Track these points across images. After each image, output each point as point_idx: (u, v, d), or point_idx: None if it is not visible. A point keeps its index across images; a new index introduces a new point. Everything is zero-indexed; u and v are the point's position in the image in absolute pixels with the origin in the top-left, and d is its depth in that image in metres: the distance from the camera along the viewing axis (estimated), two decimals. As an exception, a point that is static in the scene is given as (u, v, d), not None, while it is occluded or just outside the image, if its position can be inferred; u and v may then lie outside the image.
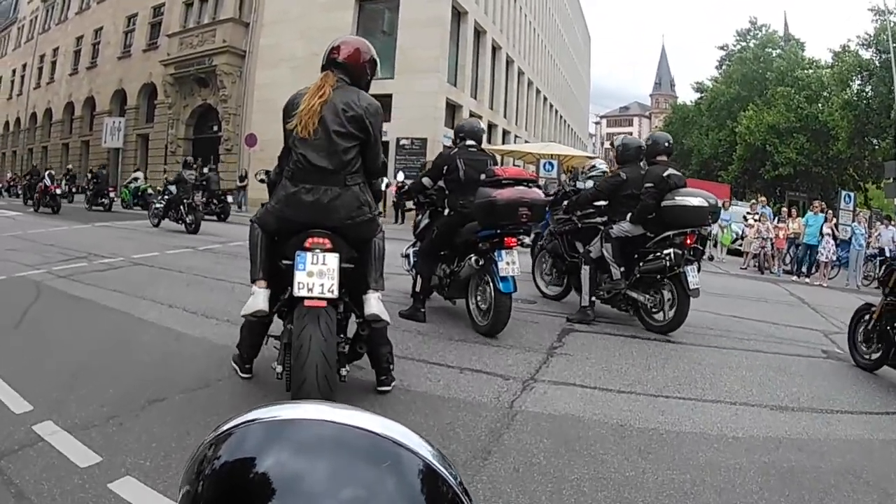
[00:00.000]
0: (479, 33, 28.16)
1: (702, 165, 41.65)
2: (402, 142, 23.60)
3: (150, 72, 31.99)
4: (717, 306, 8.51)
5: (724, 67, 44.86)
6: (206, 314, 6.00)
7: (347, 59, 3.88)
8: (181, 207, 14.74)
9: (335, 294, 3.44)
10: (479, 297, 6.12)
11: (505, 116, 33.25)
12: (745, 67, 40.73)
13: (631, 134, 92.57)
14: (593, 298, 6.96)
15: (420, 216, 7.08)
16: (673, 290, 6.57)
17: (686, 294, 6.42)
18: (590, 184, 8.04)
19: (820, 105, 34.88)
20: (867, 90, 32.10)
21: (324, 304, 3.40)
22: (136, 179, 25.78)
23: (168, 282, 7.68)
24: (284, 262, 3.58)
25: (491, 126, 30.29)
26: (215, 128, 29.24)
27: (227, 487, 0.55)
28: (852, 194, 19.67)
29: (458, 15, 25.93)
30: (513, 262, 5.70)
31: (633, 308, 6.96)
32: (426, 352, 5.21)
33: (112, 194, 22.49)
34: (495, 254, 5.72)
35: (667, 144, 7.08)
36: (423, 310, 6.30)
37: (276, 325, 3.87)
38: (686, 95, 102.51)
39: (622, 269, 6.78)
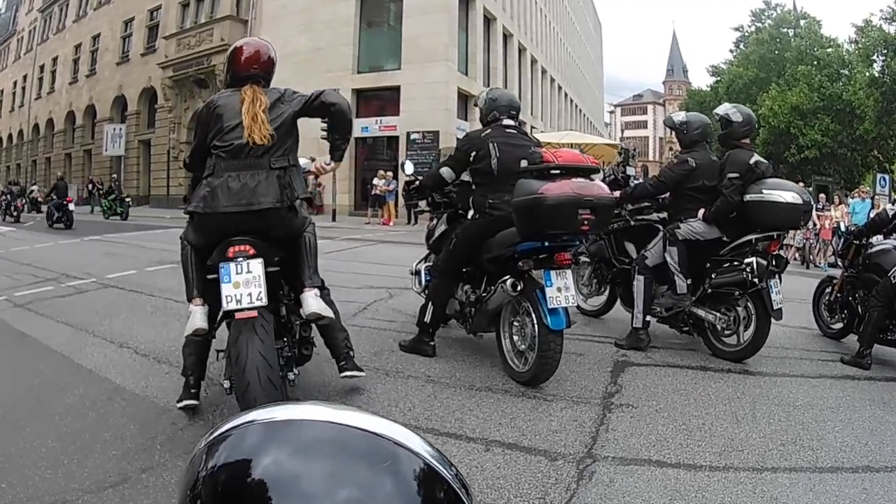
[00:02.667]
0: (488, 20, 27.66)
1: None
2: (413, 136, 23.08)
3: (149, 76, 31.73)
4: (779, 314, 7.06)
5: (739, 49, 43.81)
6: (158, 357, 4.89)
7: (259, 66, 3.73)
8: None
9: (264, 302, 3.20)
10: (515, 335, 4.49)
11: (528, 111, 32.67)
12: (763, 48, 39.94)
13: (646, 124, 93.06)
14: (648, 318, 5.45)
15: (436, 220, 5.52)
16: (749, 309, 5.21)
17: (767, 314, 5.05)
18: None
19: (842, 84, 33.79)
20: (893, 66, 30.92)
21: (255, 314, 3.18)
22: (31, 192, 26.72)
23: (130, 310, 6.86)
24: (209, 276, 3.40)
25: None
26: None
27: (225, 489, 0.55)
28: (887, 177, 18.76)
29: (466, 2, 25.36)
30: (567, 289, 4.18)
31: (699, 329, 5.54)
32: (436, 412, 3.82)
33: (70, 205, 20.26)
34: (542, 275, 4.19)
35: (748, 125, 5.62)
36: (432, 343, 4.89)
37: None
38: (699, 81, 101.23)
39: (689, 280, 5.36)
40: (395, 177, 20.97)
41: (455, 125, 23.53)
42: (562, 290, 4.13)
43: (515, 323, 4.46)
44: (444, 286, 4.85)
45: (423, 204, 5.62)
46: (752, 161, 5.26)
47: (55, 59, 42.28)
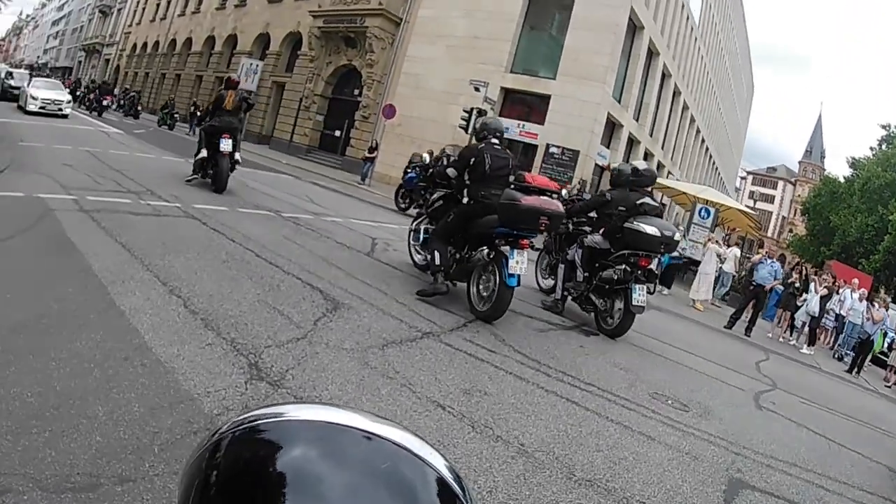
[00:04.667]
0: (651, 54, 26.54)
1: (843, 248, 38.31)
2: (552, 149, 22.24)
3: (298, 21, 31.92)
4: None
5: (882, 148, 41.43)
6: (206, 319, 4.27)
7: (233, 83, 11.82)
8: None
9: (230, 149, 10.99)
10: (481, 285, 6.79)
11: (662, 148, 31.62)
12: (907, 154, 37.59)
13: (773, 199, 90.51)
14: (565, 293, 8.31)
15: (436, 196, 7.71)
16: (622, 301, 7.67)
17: (630, 308, 7.51)
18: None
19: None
20: None
21: (226, 154, 10.93)
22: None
23: (202, 250, 6.24)
24: (213, 141, 11.01)
25: (648, 155, 28.81)
26: (356, 92, 28.80)
27: (249, 482, 0.56)
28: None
29: (634, 28, 24.32)
30: (522, 262, 6.43)
31: (594, 311, 8.06)
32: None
33: (105, 102, 32.31)
34: (508, 251, 6.41)
35: (650, 176, 8.31)
36: (445, 282, 6.94)
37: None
38: (835, 168, 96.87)
39: (586, 274, 7.99)
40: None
41: (596, 150, 22.76)
42: (519, 262, 6.33)
43: (483, 278, 6.71)
44: (441, 244, 6.96)
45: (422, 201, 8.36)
46: (639, 202, 7.68)
47: (206, -19, 43.29)
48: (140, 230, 6.43)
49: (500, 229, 6.49)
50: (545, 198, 6.58)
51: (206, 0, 42.71)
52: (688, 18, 31.61)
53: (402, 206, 16.86)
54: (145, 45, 50.93)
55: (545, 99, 22.79)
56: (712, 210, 19.31)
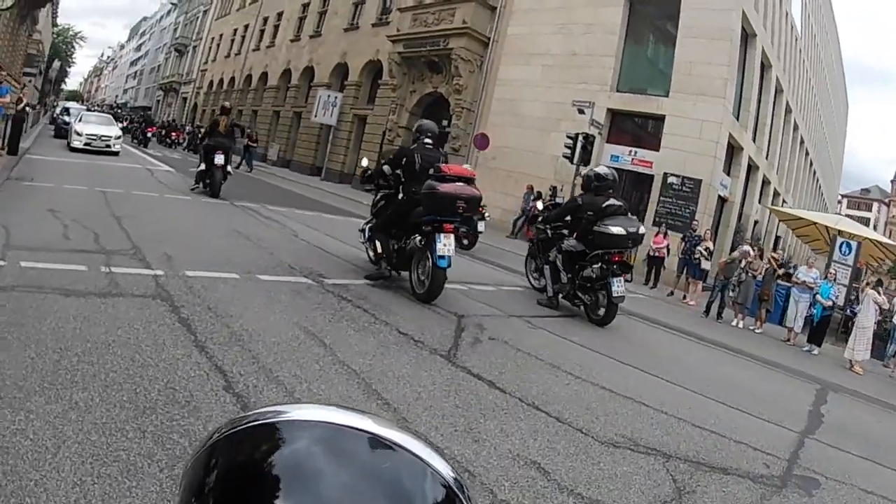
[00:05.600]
0: (764, 66, 23.83)
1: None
2: (671, 179, 19.79)
3: (377, 48, 30.67)
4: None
5: None
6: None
7: (228, 111, 16.01)
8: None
9: (223, 163, 14.61)
10: (420, 270, 7.59)
11: (776, 172, 28.86)
12: None
13: (868, 221, 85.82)
14: (556, 290, 9.22)
15: (378, 197, 8.57)
16: (605, 294, 8.67)
17: (612, 299, 8.58)
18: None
19: None
20: None
21: (220, 167, 14.57)
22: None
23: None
24: (209, 157, 14.58)
25: (764, 182, 26.28)
26: (444, 122, 26.76)
27: (248, 480, 0.56)
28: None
29: (746, 37, 21.62)
30: (449, 244, 7.25)
31: (583, 305, 9.05)
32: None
33: (149, 133, 36.54)
34: (435, 236, 7.24)
35: (612, 180, 9.39)
36: (387, 268, 8.03)
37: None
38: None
39: (569, 275, 9.03)
40: (642, 221, 18.17)
41: (719, 179, 20.25)
42: (446, 245, 7.26)
43: (420, 264, 7.60)
44: (382, 236, 8.02)
45: (368, 186, 9.22)
46: (604, 204, 8.87)
47: (280, 14, 43.15)
48: (48, 329, 4.21)
49: (426, 218, 7.37)
50: (461, 184, 7.40)
51: (281, 33, 42.36)
52: (792, 28, 28.89)
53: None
54: (221, 81, 51.26)
55: (658, 120, 20.48)
56: (854, 244, 16.76)
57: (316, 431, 0.58)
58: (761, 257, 15.18)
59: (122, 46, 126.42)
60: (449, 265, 7.28)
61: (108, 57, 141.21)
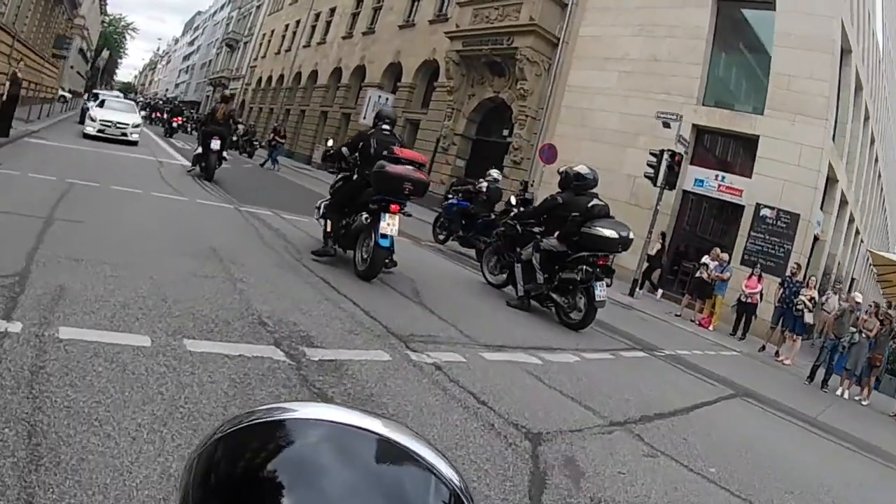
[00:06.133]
0: (857, 87, 20.78)
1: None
2: (764, 211, 17.10)
3: (433, 48, 28.61)
4: None
5: None
6: None
7: (227, 99, 17.49)
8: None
9: (218, 148, 15.55)
10: (363, 249, 7.89)
11: (860, 210, 26.01)
12: None
13: None
14: (528, 290, 9.09)
15: (338, 178, 8.89)
16: (583, 299, 8.62)
17: (593, 303, 8.48)
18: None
19: None
20: None
21: (215, 152, 15.59)
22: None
23: None
24: (206, 142, 15.64)
25: (850, 220, 23.55)
26: (505, 131, 24.56)
27: (252, 478, 0.56)
28: None
29: (842, 52, 18.46)
30: (393, 224, 7.58)
31: (555, 306, 8.94)
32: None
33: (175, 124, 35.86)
34: (381, 215, 7.55)
35: (593, 179, 9.12)
36: (335, 247, 8.45)
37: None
38: None
39: (546, 275, 8.93)
40: (730, 259, 15.91)
41: (817, 215, 17.56)
42: (390, 225, 7.55)
43: (365, 243, 7.86)
44: (334, 213, 8.47)
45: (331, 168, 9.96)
46: (589, 204, 8.77)
47: (333, 10, 41.65)
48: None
49: (375, 197, 7.70)
50: (410, 167, 7.75)
51: (333, 29, 40.79)
52: (875, 48, 25.63)
53: (441, 237, 15.07)
54: (270, 78, 50.09)
55: (751, 142, 17.87)
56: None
57: (323, 430, 0.58)
58: (877, 314, 12.62)
59: (177, 41, 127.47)
60: (391, 246, 7.70)
61: (163, 51, 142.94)
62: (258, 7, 61.83)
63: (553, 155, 18.83)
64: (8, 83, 17.08)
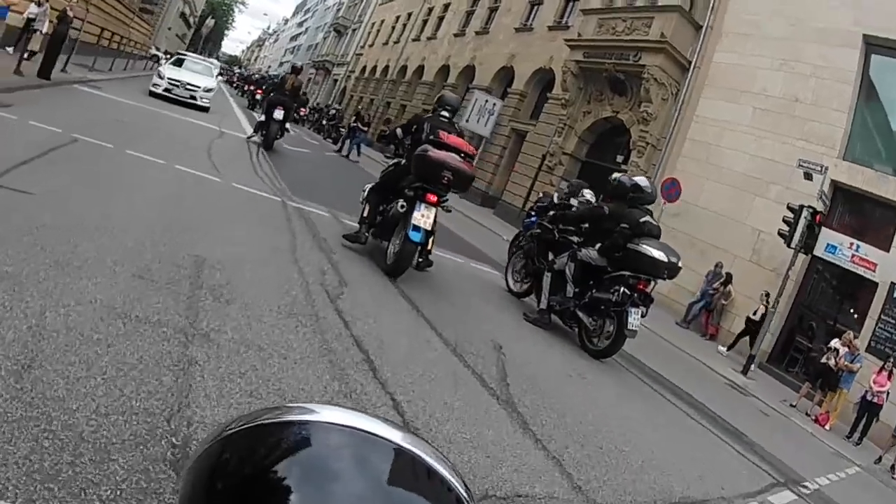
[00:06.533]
0: None
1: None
2: None
3: (550, 55, 27.25)
4: None
5: None
6: None
7: (298, 71, 18.08)
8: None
9: (281, 118, 15.91)
10: (397, 241, 7.35)
11: None
12: None
13: None
14: (552, 304, 8.33)
15: (392, 163, 8.32)
16: (613, 324, 7.74)
17: (623, 331, 7.60)
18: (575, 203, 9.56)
19: None
20: None
21: (278, 122, 15.97)
22: None
23: None
24: (270, 111, 16.19)
25: None
26: (619, 157, 22.72)
27: (258, 480, 0.55)
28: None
29: None
30: (427, 216, 7.04)
31: (579, 327, 8.17)
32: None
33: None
34: (416, 203, 7.02)
35: (651, 193, 8.38)
36: (367, 234, 7.98)
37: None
38: None
39: (577, 289, 8.14)
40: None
41: None
42: (424, 216, 7.01)
43: (399, 235, 7.29)
44: (375, 198, 8.00)
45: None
46: (642, 220, 7.93)
47: (447, 6, 40.87)
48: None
49: (414, 184, 7.16)
50: (453, 154, 7.19)
51: (445, 25, 40.02)
52: None
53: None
54: (374, 69, 49.72)
55: (891, 210, 15.86)
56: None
57: (337, 435, 0.57)
58: None
59: (286, 21, 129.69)
60: (423, 241, 7.19)
61: (273, 30, 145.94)
62: (371, -5, 61.83)
63: (677, 192, 17.16)
64: (55, 20, 16.08)
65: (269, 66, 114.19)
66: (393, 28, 49.58)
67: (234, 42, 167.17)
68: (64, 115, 10.64)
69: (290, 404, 0.60)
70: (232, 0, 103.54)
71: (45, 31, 16.74)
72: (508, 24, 32.22)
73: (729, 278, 16.62)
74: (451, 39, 38.02)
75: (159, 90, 19.54)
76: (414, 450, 0.57)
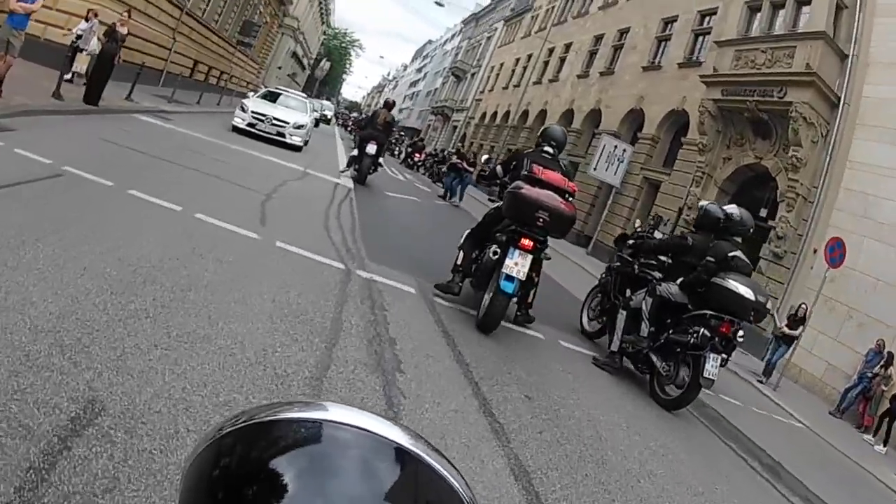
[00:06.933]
0: None
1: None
2: None
3: (683, 96, 25.87)
4: None
5: None
6: None
7: (390, 106, 18.00)
8: None
9: (374, 153, 16.38)
10: (490, 293, 6.69)
11: None
12: None
13: None
14: (624, 346, 7.60)
15: (494, 205, 7.75)
16: (689, 370, 6.92)
17: (698, 380, 6.75)
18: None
19: None
20: None
21: (370, 156, 16.42)
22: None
23: None
24: (362, 145, 16.73)
25: None
26: (763, 211, 20.47)
27: (259, 478, 0.55)
28: None
29: None
30: (522, 264, 6.39)
31: (651, 373, 7.46)
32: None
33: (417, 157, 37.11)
34: (508, 249, 6.45)
35: (750, 230, 7.56)
36: (460, 284, 7.31)
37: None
38: None
39: (652, 328, 7.37)
40: None
41: None
42: (518, 264, 6.41)
43: (493, 284, 6.67)
44: (469, 243, 7.41)
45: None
46: (730, 254, 7.11)
47: (568, 46, 40.25)
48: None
49: (509, 228, 6.66)
50: (549, 192, 6.57)
51: (567, 67, 39.27)
52: None
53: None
54: (495, 114, 49.59)
55: None
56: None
57: (346, 436, 0.57)
58: None
59: (405, 67, 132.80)
60: (515, 293, 6.64)
61: (392, 76, 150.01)
62: (489, 38, 62.15)
63: (841, 255, 14.38)
64: (104, 37, 14.34)
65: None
66: (513, 71, 49.42)
67: (353, 87, 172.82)
68: (76, 145, 9.46)
69: (294, 400, 0.60)
70: (349, 43, 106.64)
71: (90, 49, 15.47)
72: (635, 63, 31.12)
73: (891, 359, 14.27)
74: (574, 81, 37.17)
75: (242, 125, 18.10)
76: (418, 451, 0.57)
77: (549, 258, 7.40)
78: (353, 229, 10.04)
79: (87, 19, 15.83)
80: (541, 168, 7.01)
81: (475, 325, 6.82)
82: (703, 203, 8.46)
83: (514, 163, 7.47)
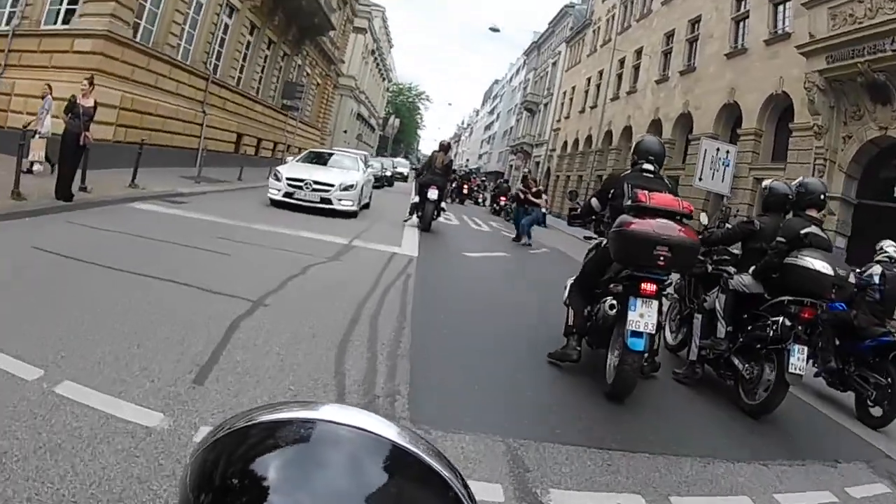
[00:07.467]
0: None
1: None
2: None
3: (779, 76, 23.20)
4: None
5: None
6: None
7: (446, 148, 18.07)
8: None
9: (436, 198, 16.38)
10: (615, 353, 5.70)
11: None
12: None
13: None
14: (703, 353, 6.77)
15: (592, 245, 6.82)
16: (773, 369, 6.07)
17: (783, 377, 5.88)
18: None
19: None
20: None
21: (432, 202, 16.38)
22: None
23: None
24: (423, 191, 16.80)
25: None
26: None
27: (259, 477, 0.56)
28: None
29: None
30: (648, 315, 5.33)
31: (734, 378, 6.60)
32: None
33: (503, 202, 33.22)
34: (628, 301, 5.41)
35: (822, 197, 6.65)
36: (578, 348, 6.24)
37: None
38: None
39: (729, 328, 6.60)
40: None
41: None
42: (644, 316, 5.29)
43: (617, 342, 5.59)
44: (578, 298, 6.29)
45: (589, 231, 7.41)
46: (803, 231, 6.18)
47: (638, 52, 38.19)
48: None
49: (622, 274, 5.70)
50: (664, 221, 5.45)
51: (643, 74, 37.11)
52: None
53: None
54: (576, 141, 47.56)
55: None
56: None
57: (342, 434, 0.58)
58: None
59: (477, 112, 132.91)
60: (645, 349, 5.33)
61: (465, 123, 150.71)
62: (554, 64, 60.73)
63: None
64: (65, 114, 11.88)
65: (468, 160, 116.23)
66: (586, 92, 47.51)
67: (429, 141, 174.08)
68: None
69: (291, 401, 0.67)
70: (415, 97, 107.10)
71: (44, 132, 13.33)
72: (716, 52, 28.65)
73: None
74: (654, 88, 34.95)
75: (278, 196, 15.64)
76: (413, 448, 0.58)
77: (668, 296, 6.86)
78: (397, 345, 6.14)
79: (41, 96, 13.89)
80: (646, 193, 5.78)
81: (605, 393, 5.73)
82: (766, 182, 7.66)
83: (611, 190, 6.50)
